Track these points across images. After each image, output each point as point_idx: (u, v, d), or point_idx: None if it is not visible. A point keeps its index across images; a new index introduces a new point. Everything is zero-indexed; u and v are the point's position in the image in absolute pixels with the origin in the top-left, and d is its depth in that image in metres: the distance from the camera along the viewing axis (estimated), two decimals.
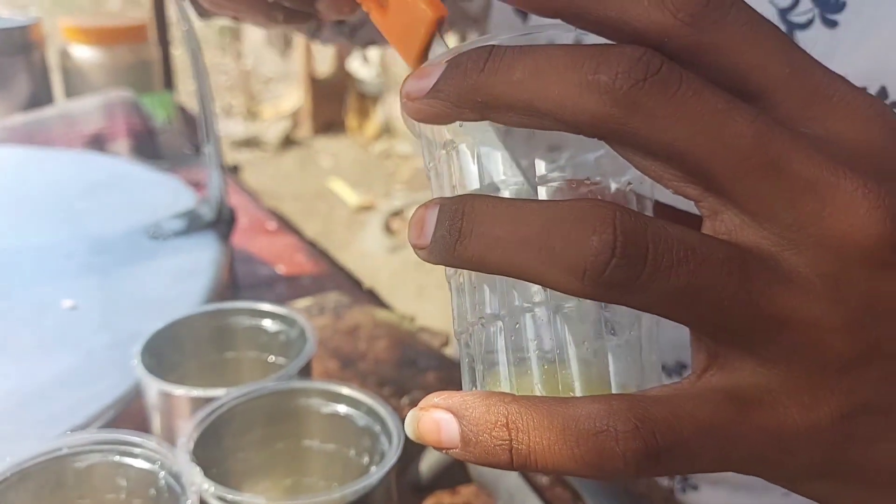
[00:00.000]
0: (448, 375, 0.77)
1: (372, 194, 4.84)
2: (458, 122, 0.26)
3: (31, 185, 0.94)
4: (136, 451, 0.44)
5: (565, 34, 0.27)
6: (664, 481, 0.69)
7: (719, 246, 0.23)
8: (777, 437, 0.24)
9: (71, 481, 0.44)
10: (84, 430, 0.52)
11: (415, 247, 0.26)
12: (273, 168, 5.09)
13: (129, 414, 0.58)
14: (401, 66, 5.31)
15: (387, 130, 5.54)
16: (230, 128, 5.31)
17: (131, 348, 0.63)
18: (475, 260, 0.24)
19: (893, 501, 0.26)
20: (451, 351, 0.85)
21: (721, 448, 0.24)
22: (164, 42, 1.57)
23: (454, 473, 0.62)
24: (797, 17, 0.53)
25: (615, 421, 0.23)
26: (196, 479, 0.42)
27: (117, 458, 0.44)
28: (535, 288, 0.26)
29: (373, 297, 0.99)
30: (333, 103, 5.63)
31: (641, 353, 0.27)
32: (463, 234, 0.24)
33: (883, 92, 0.49)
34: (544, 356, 0.26)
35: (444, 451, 0.25)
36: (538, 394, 0.26)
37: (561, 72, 0.23)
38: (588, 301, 0.26)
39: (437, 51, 0.29)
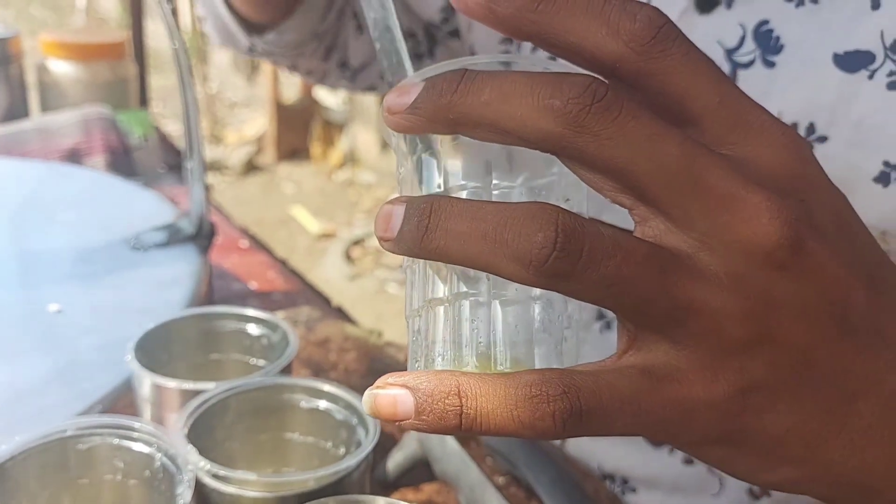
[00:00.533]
0: None
1: (334, 222, 4.87)
2: (429, 135, 0.32)
3: (11, 196, 0.98)
4: (135, 434, 0.48)
5: (536, 65, 0.32)
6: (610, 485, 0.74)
7: (642, 245, 0.28)
8: (682, 406, 0.29)
9: (72, 462, 0.48)
10: (87, 415, 0.56)
11: (381, 239, 0.30)
12: (235, 193, 5.10)
13: (117, 410, 0.62)
14: (367, 96, 5.36)
15: (351, 159, 5.58)
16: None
17: (117, 350, 0.67)
18: (439, 251, 0.29)
19: (778, 466, 0.32)
20: None
21: (634, 414, 0.29)
22: (141, 60, 1.61)
23: (418, 472, 0.67)
24: (741, 56, 0.60)
25: (547, 387, 0.28)
26: (192, 458, 0.46)
27: (117, 441, 0.48)
28: (479, 278, 0.31)
29: (341, 314, 1.04)
30: (298, 130, 5.66)
31: (564, 337, 0.32)
32: (429, 229, 0.29)
33: (812, 127, 0.56)
34: (479, 335, 0.31)
35: (397, 424, 0.29)
36: (471, 369, 0.30)
37: (522, 96, 0.28)
38: (522, 291, 0.31)
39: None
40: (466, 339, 0.31)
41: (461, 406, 0.28)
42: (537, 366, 0.31)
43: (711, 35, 0.61)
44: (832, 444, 0.31)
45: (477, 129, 0.29)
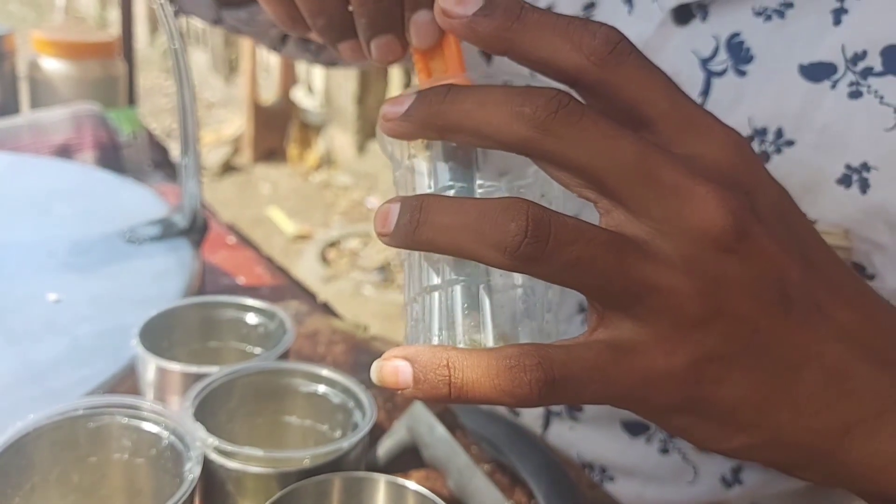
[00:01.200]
0: None
1: (310, 224, 4.87)
2: (419, 141, 0.36)
3: (6, 189, 0.99)
4: (143, 413, 0.50)
5: (519, 79, 0.37)
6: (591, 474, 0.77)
7: (603, 232, 0.32)
8: (644, 376, 0.33)
9: (82, 440, 0.50)
10: (97, 395, 0.58)
11: (379, 234, 0.34)
12: (212, 194, 5.09)
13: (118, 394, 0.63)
14: (344, 98, 5.38)
15: (327, 161, 5.58)
16: (170, 151, 5.31)
17: (116, 337, 0.69)
18: (428, 242, 0.33)
19: (734, 434, 0.35)
20: None
21: (601, 383, 0.33)
22: (130, 59, 1.62)
23: (407, 459, 0.69)
24: (715, 66, 0.64)
25: (524, 358, 0.32)
26: (201, 435, 0.48)
27: (125, 420, 0.50)
28: (468, 267, 0.35)
29: (327, 309, 1.06)
30: (275, 131, 5.65)
31: (545, 320, 0.36)
32: (420, 223, 0.33)
33: (779, 132, 0.60)
34: (469, 318, 0.34)
35: (399, 392, 0.33)
36: (462, 346, 0.34)
37: (498, 105, 0.32)
38: (504, 278, 0.35)
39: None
40: (458, 321, 0.34)
41: (449, 376, 0.32)
42: (521, 340, 0.35)
43: (687, 45, 0.65)
44: (781, 411, 0.35)
45: (460, 134, 0.33)
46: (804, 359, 0.34)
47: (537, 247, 0.30)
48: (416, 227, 0.32)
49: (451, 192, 0.35)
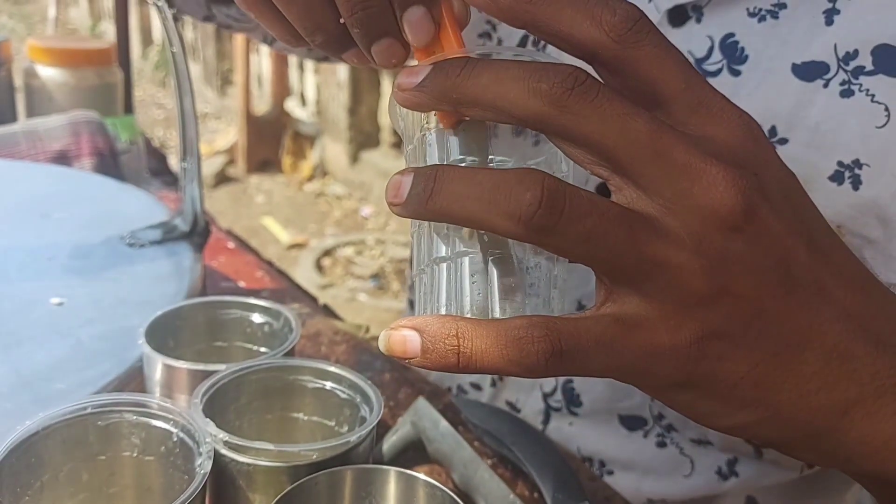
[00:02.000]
0: (401, 375, 0.84)
1: (304, 233, 4.87)
2: (432, 114, 0.36)
3: (7, 195, 0.98)
4: (153, 411, 0.50)
5: (525, 55, 0.36)
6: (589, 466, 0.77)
7: (615, 206, 0.32)
8: (648, 351, 0.33)
9: (92, 438, 0.50)
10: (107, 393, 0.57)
11: (391, 204, 0.34)
12: (207, 204, 5.07)
13: None
14: (337, 109, 5.38)
15: (321, 171, 5.58)
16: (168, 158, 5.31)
17: (120, 339, 0.68)
18: (442, 211, 0.33)
19: (736, 411, 0.35)
20: None
21: (607, 355, 0.33)
22: (126, 66, 1.62)
23: (412, 454, 0.69)
24: (709, 66, 0.65)
25: (533, 329, 0.32)
26: (211, 430, 0.48)
27: (135, 417, 0.50)
28: (476, 239, 0.35)
29: (328, 311, 1.06)
30: (269, 142, 5.66)
31: (550, 293, 0.36)
32: (434, 192, 0.32)
33: (773, 130, 0.61)
34: (477, 289, 0.34)
35: (407, 362, 0.33)
36: (470, 316, 0.34)
37: (515, 80, 0.32)
38: (511, 249, 0.35)
39: (470, 127, 0.38)
40: (467, 292, 0.35)
41: (458, 346, 0.32)
42: (528, 312, 0.35)
43: (682, 46, 0.65)
44: (781, 389, 0.35)
45: (475, 108, 0.33)
46: (806, 338, 0.34)
47: (551, 217, 0.30)
48: (429, 195, 0.32)
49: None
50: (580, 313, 0.34)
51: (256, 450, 0.48)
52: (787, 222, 0.34)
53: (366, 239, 4.84)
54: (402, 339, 0.33)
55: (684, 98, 0.34)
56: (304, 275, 4.36)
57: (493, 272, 0.34)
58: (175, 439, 0.50)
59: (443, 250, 0.35)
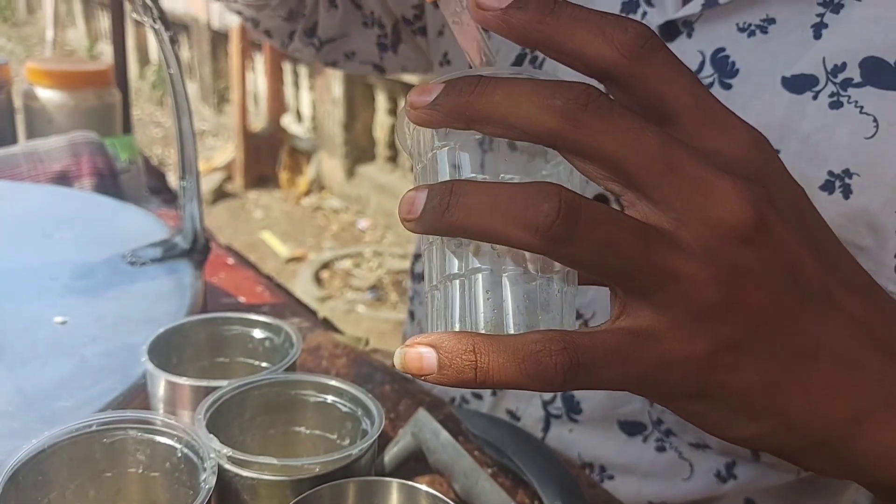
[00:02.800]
0: (401, 387, 0.84)
1: (302, 247, 4.88)
2: (443, 130, 0.35)
3: (9, 216, 0.98)
4: (157, 427, 0.50)
5: (525, 72, 0.36)
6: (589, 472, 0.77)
7: (630, 218, 0.32)
8: (662, 362, 0.33)
9: (98, 455, 0.50)
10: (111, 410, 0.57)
11: (405, 220, 0.33)
12: (206, 219, 5.06)
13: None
14: (333, 125, 5.39)
15: (318, 185, 5.59)
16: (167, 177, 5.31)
17: (123, 356, 0.69)
18: (458, 224, 0.32)
19: (747, 422, 0.35)
20: None
21: (623, 367, 0.33)
22: (124, 87, 1.62)
23: (413, 465, 0.69)
24: (701, 79, 0.64)
25: (550, 343, 0.32)
26: (215, 445, 0.48)
27: (139, 434, 0.50)
28: (489, 256, 0.34)
29: (328, 325, 1.06)
30: (266, 158, 5.67)
31: (562, 309, 0.35)
32: (450, 205, 0.32)
33: None
34: (492, 305, 0.34)
35: (423, 378, 0.33)
36: (483, 330, 0.34)
37: (528, 96, 0.32)
38: (526, 265, 0.34)
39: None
40: (480, 308, 0.34)
41: (476, 361, 0.32)
42: (541, 327, 0.34)
43: None
44: (793, 399, 0.35)
45: (488, 125, 0.33)
46: (816, 347, 0.34)
47: (568, 227, 0.30)
48: (445, 209, 0.32)
49: None
50: (595, 327, 0.34)
51: (260, 464, 0.48)
52: (796, 232, 0.34)
53: (363, 251, 4.85)
54: (419, 356, 0.32)
55: (694, 113, 0.34)
56: (303, 288, 4.37)
57: (507, 288, 0.34)
58: (179, 455, 0.50)
59: (456, 266, 0.35)
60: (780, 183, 0.36)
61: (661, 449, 0.75)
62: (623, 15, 0.34)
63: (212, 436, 0.49)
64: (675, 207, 0.32)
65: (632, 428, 0.76)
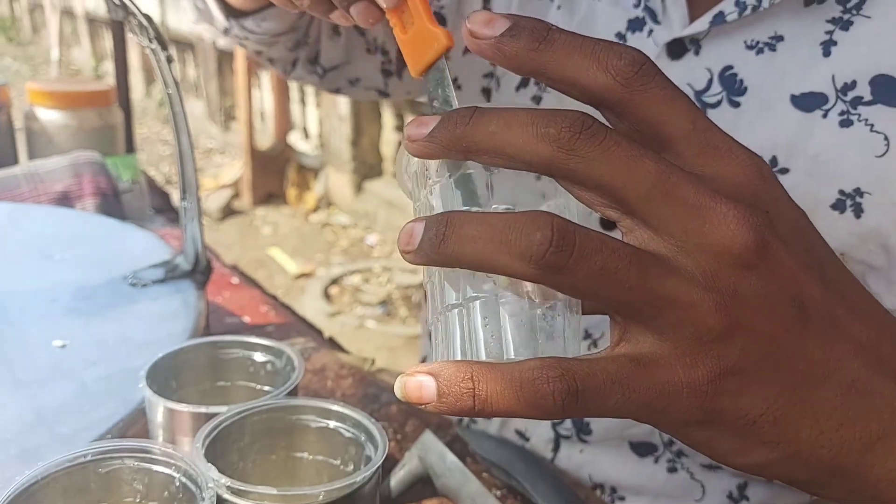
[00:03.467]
0: (407, 407, 0.82)
1: (311, 262, 4.87)
2: (437, 165, 0.36)
3: (9, 238, 0.98)
4: (154, 456, 0.49)
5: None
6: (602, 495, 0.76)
7: (626, 246, 0.32)
8: (665, 389, 0.32)
9: (94, 486, 0.49)
10: (106, 440, 0.56)
11: (404, 252, 0.33)
12: (214, 237, 5.08)
13: (128, 437, 0.62)
14: (339, 141, 5.40)
15: (325, 202, 5.59)
16: (171, 196, 5.32)
17: (123, 381, 0.67)
18: (454, 254, 0.32)
19: (754, 448, 0.35)
20: None
21: (623, 395, 0.32)
22: (127, 107, 1.62)
23: (420, 488, 0.67)
24: (709, 98, 0.65)
25: (547, 370, 0.31)
26: (213, 475, 0.47)
27: (136, 463, 0.49)
28: (486, 284, 0.34)
29: (334, 344, 1.04)
30: (273, 175, 5.68)
31: (564, 334, 0.35)
32: (446, 236, 0.32)
33: (774, 160, 0.61)
34: (490, 332, 0.34)
35: (423, 406, 0.32)
36: (483, 358, 0.34)
37: (523, 126, 0.32)
38: (522, 292, 0.34)
39: (435, 73, 0.39)
40: (480, 336, 0.34)
41: (474, 389, 0.32)
42: (541, 352, 0.34)
43: (682, 79, 0.66)
44: (801, 426, 0.34)
45: (485, 155, 0.33)
46: (823, 374, 0.34)
47: (562, 256, 0.30)
48: (441, 240, 0.32)
49: None
50: (595, 354, 0.33)
51: (259, 493, 0.47)
52: (799, 258, 0.34)
53: (372, 267, 4.84)
54: (418, 384, 0.32)
55: (692, 139, 0.34)
56: (313, 304, 4.36)
57: (504, 314, 0.34)
58: (177, 484, 0.48)
59: (454, 297, 0.35)
60: (781, 208, 0.35)
61: (672, 470, 0.74)
62: (617, 41, 0.35)
63: (210, 465, 0.48)
64: (673, 234, 0.32)
65: (643, 448, 0.75)
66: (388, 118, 5.23)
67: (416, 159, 0.36)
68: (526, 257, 0.30)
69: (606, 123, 0.32)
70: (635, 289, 0.31)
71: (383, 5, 0.43)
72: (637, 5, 0.69)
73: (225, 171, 5.91)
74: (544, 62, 0.33)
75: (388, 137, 5.27)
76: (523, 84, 0.78)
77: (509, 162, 0.33)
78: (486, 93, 0.83)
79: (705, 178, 0.33)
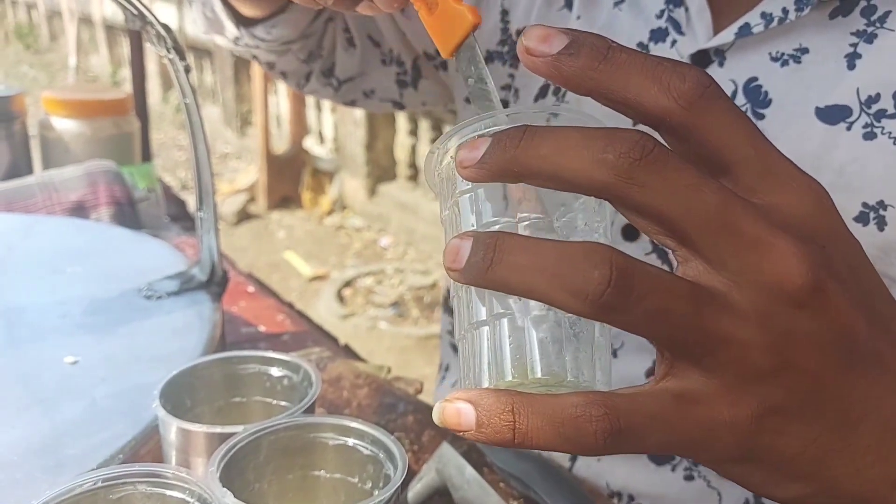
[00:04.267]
0: (424, 417, 0.80)
1: (325, 265, 4.86)
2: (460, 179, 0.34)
3: (20, 250, 0.95)
4: (167, 481, 0.46)
5: (582, 117, 0.35)
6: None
7: (682, 283, 0.30)
8: (707, 426, 0.31)
9: None
10: (112, 463, 0.54)
11: (449, 269, 0.32)
12: (229, 241, 5.07)
13: (140, 457, 0.59)
14: (354, 145, 5.39)
15: (340, 205, 5.59)
16: (187, 204, 5.32)
17: (135, 398, 0.65)
18: (500, 282, 0.30)
19: (790, 483, 0.34)
20: (424, 397, 0.88)
21: (665, 432, 0.31)
22: (143, 115, 1.60)
23: (437, 500, 0.65)
24: None
25: (590, 408, 0.30)
26: (229, 501, 0.44)
27: (148, 489, 0.46)
28: (512, 300, 0.33)
29: (350, 352, 1.02)
30: (289, 179, 5.68)
31: (594, 351, 0.33)
32: (494, 262, 0.30)
33: None
34: (514, 349, 0.33)
35: (461, 433, 0.31)
36: (511, 378, 0.33)
37: (578, 149, 0.30)
38: (549, 311, 0.33)
39: (466, 51, 0.39)
40: (507, 354, 0.33)
41: (514, 422, 0.30)
42: (568, 371, 0.33)
43: None
44: (838, 463, 0.33)
45: (538, 179, 0.31)
46: (864, 412, 0.33)
47: (620, 297, 0.29)
48: (489, 265, 0.30)
49: (496, 228, 0.34)
50: (638, 388, 0.32)
51: None
52: (852, 296, 0.32)
53: (385, 269, 4.82)
54: (457, 411, 0.31)
55: (752, 164, 0.32)
56: (326, 306, 4.35)
57: (532, 332, 0.33)
58: None
59: (483, 313, 0.34)
60: (839, 242, 0.34)
61: (689, 478, 0.73)
62: (679, 60, 0.33)
63: (226, 490, 0.45)
64: (730, 268, 0.30)
65: (660, 457, 0.74)
66: (402, 123, 5.23)
67: (445, 161, 0.35)
68: (581, 295, 0.29)
69: (664, 144, 0.31)
70: (689, 329, 0.30)
71: None
72: (660, 16, 0.68)
73: (241, 175, 5.90)
74: (604, 82, 0.31)
75: (403, 141, 5.27)
76: (542, 94, 0.76)
77: (564, 186, 0.31)
78: (505, 105, 0.81)
79: (765, 207, 0.31)
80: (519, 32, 0.81)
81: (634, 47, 0.70)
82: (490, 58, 0.80)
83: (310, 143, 5.82)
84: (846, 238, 0.34)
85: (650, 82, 0.31)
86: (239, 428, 0.51)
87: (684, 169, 0.30)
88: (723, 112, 0.31)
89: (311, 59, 0.90)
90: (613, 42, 0.31)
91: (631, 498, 0.76)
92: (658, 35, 0.68)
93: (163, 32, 0.75)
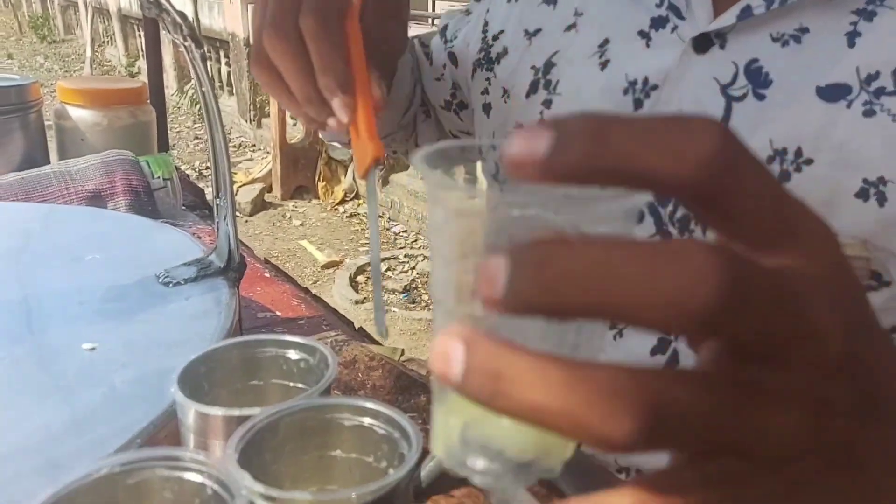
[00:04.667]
0: None
1: (339, 252, 4.87)
2: None
3: (38, 239, 0.95)
4: (185, 464, 0.46)
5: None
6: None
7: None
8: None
9: (122, 497, 0.45)
10: (129, 448, 0.53)
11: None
12: (245, 229, 5.08)
13: (158, 441, 0.59)
14: None
15: (354, 194, 5.59)
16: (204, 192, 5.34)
17: (153, 383, 0.64)
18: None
19: None
20: None
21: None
22: (160, 104, 1.59)
23: (450, 478, 0.65)
24: (735, 91, 0.64)
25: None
26: (247, 483, 0.43)
27: (166, 472, 0.46)
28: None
29: (364, 335, 1.02)
30: (304, 169, 5.69)
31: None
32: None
33: (799, 151, 0.61)
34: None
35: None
36: None
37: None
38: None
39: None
40: None
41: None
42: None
43: (708, 72, 0.65)
44: None
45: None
46: (882, 462, 0.29)
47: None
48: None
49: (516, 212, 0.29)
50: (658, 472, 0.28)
51: (294, 500, 0.43)
52: (870, 353, 0.29)
53: (397, 255, 4.83)
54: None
55: (767, 219, 0.26)
56: (340, 292, 4.36)
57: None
58: (209, 492, 0.45)
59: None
60: (858, 305, 0.29)
61: None
62: (682, 114, 0.28)
63: (244, 472, 0.45)
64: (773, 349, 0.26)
65: None
66: None
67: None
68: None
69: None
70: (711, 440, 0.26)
71: (343, 121, 0.57)
72: (660, 4, 0.68)
73: (257, 165, 5.91)
74: (608, 167, 0.25)
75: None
76: (533, 90, 0.76)
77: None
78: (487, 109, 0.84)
79: (784, 273, 0.26)
80: (495, 37, 0.82)
81: (635, 36, 0.70)
82: (473, 68, 0.84)
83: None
84: (856, 289, 0.29)
85: (660, 154, 0.25)
86: (256, 410, 0.51)
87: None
88: (744, 170, 0.26)
89: (406, 142, 0.95)
90: (604, 115, 0.25)
91: (638, 472, 0.75)
92: (658, 22, 0.67)
93: (179, 20, 0.74)
